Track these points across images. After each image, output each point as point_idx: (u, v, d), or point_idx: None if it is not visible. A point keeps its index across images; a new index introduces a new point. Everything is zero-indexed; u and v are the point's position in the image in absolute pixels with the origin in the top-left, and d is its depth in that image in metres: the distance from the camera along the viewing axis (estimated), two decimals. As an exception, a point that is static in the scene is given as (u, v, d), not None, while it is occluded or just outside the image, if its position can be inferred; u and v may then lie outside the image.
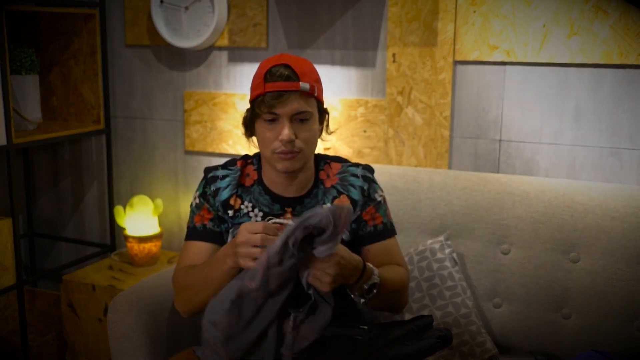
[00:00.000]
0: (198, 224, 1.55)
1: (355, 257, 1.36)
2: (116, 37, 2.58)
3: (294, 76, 1.42)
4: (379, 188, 1.60)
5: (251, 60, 2.37)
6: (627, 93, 1.94)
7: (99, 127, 2.55)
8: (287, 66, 1.43)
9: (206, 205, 1.55)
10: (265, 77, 1.42)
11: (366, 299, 1.40)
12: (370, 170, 1.61)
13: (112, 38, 2.58)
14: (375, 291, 1.40)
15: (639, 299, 1.73)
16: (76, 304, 2.37)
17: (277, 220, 1.41)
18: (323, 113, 1.52)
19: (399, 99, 2.15)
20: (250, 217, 1.52)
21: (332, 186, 1.56)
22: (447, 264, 1.83)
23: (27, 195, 2.83)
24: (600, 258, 1.78)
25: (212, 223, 1.54)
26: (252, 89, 1.47)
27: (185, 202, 2.59)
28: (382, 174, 1.96)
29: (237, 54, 2.40)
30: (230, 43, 2.37)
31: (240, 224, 1.51)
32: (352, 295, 1.42)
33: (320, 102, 1.50)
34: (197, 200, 1.57)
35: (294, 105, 1.42)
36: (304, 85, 1.42)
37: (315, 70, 1.49)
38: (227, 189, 1.54)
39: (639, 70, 1.91)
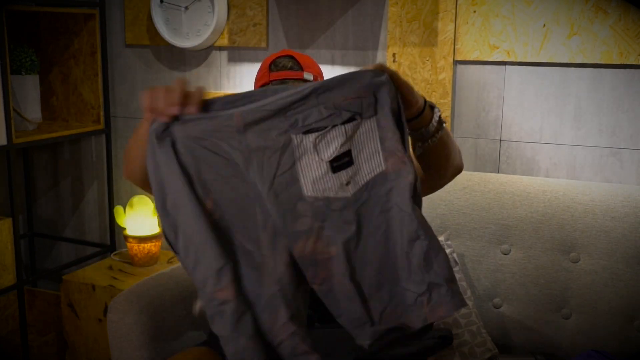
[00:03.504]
0: None
1: None
2: (116, 37, 2.58)
3: (297, 66, 1.47)
4: None
5: (251, 60, 2.37)
6: (627, 93, 1.94)
7: (99, 127, 2.55)
8: (291, 57, 1.48)
9: None
10: (270, 67, 1.47)
11: (442, 128, 1.18)
12: None
13: (112, 38, 2.58)
14: (444, 124, 1.19)
15: (639, 299, 1.73)
16: (76, 304, 2.37)
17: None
18: None
19: (399, 99, 2.15)
20: None
21: None
22: (447, 264, 1.83)
23: (27, 195, 2.83)
24: (600, 258, 1.78)
25: None
26: (257, 80, 1.51)
27: (185, 202, 2.58)
28: (382, 174, 1.96)
29: (237, 54, 2.40)
30: (230, 43, 2.37)
31: None
32: (423, 139, 1.18)
33: None
34: None
35: None
36: (308, 75, 1.46)
37: (318, 65, 1.54)
38: None
39: (639, 70, 1.91)
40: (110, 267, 2.49)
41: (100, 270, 2.47)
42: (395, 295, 1.05)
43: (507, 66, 2.05)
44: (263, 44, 2.33)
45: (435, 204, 1.93)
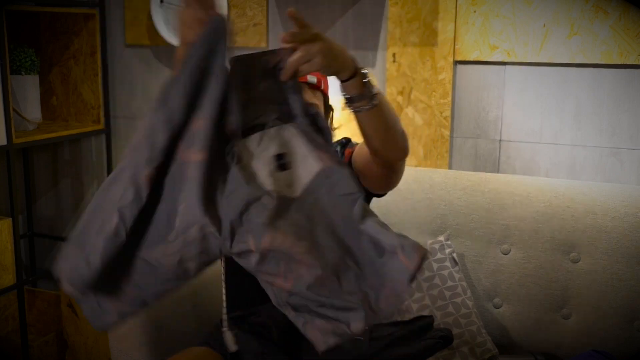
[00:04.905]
0: None
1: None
2: (116, 37, 2.58)
3: None
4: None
5: (251, 60, 2.37)
6: (627, 93, 1.94)
7: (99, 127, 2.55)
8: None
9: None
10: None
11: (371, 103, 1.19)
12: (347, 139, 1.58)
13: (112, 38, 2.58)
14: (377, 97, 1.19)
15: (639, 299, 1.73)
16: (76, 304, 2.37)
17: None
18: (328, 109, 1.54)
19: (399, 99, 2.15)
20: None
21: None
22: (447, 264, 1.83)
23: (27, 195, 2.83)
24: (600, 258, 1.78)
25: None
26: None
27: (185, 202, 2.58)
28: (382, 174, 1.96)
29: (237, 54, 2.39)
30: (230, 43, 2.37)
31: None
32: (351, 105, 1.21)
33: (326, 97, 1.52)
34: None
35: None
36: (311, 78, 1.45)
37: None
38: None
39: (639, 70, 1.91)
40: (110, 267, 2.49)
41: (100, 270, 2.46)
42: (366, 264, 1.02)
43: (507, 66, 2.05)
44: (263, 44, 2.33)
45: (435, 204, 1.93)
